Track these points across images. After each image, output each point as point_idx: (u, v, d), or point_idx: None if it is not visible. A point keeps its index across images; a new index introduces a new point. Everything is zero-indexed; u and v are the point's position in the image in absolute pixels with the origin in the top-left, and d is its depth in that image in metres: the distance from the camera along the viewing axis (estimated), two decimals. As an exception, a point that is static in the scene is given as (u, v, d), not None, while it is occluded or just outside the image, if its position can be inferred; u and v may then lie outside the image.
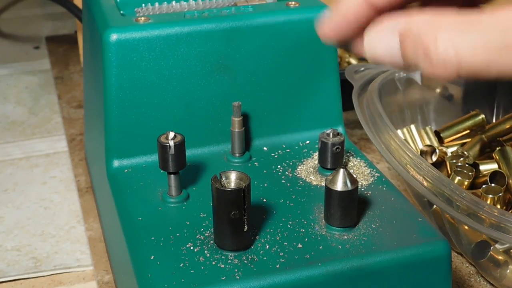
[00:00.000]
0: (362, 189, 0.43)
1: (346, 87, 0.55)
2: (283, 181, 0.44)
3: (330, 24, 0.34)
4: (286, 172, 0.45)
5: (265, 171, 0.45)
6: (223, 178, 0.36)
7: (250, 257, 0.37)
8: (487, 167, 0.56)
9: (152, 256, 0.37)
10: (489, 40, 0.30)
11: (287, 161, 0.46)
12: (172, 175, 0.42)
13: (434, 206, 0.52)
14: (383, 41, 0.32)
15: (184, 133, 0.43)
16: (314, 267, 0.36)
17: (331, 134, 0.44)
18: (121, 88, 0.45)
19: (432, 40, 0.30)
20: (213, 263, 0.36)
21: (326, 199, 0.39)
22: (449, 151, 0.59)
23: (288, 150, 0.48)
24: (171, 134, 0.41)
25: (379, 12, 0.33)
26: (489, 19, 0.30)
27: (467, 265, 0.52)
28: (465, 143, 0.60)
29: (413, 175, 0.48)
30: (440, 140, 0.61)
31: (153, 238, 0.39)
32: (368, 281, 0.37)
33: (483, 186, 0.51)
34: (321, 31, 0.34)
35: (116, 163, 0.46)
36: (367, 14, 0.33)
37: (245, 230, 0.37)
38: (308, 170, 0.45)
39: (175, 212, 0.41)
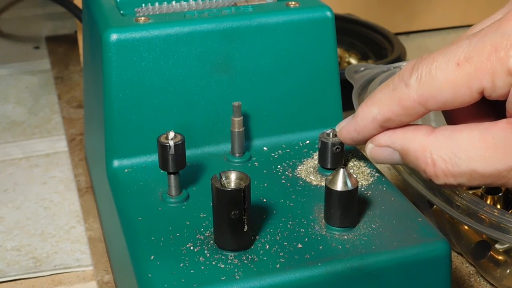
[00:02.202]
0: (362, 189, 0.43)
1: (346, 87, 0.55)
2: (283, 181, 0.44)
3: (346, 133, 0.40)
4: (286, 172, 0.45)
5: (265, 171, 0.45)
6: (223, 178, 0.36)
7: (250, 257, 0.37)
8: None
9: (152, 256, 0.37)
10: (477, 167, 0.34)
11: (287, 161, 0.46)
12: (172, 175, 0.42)
13: (434, 206, 0.52)
14: (386, 154, 0.38)
15: (184, 133, 0.43)
16: (314, 267, 0.36)
17: (331, 134, 0.44)
18: (121, 88, 0.45)
19: (430, 165, 0.35)
20: (213, 263, 0.36)
21: (326, 199, 0.39)
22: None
23: (288, 150, 0.48)
24: (171, 134, 0.41)
25: (386, 129, 0.38)
26: (476, 142, 0.34)
27: (467, 265, 0.52)
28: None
29: (413, 175, 0.48)
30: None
31: (153, 238, 0.39)
32: (368, 281, 0.37)
33: (483, 186, 0.51)
34: (338, 135, 0.41)
35: (116, 163, 0.46)
36: (377, 132, 0.38)
37: (245, 230, 0.37)
38: (308, 170, 0.45)
39: (175, 212, 0.41)
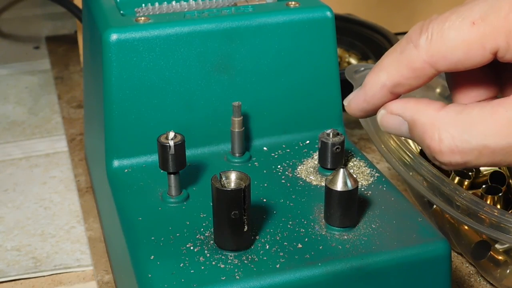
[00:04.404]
0: (362, 189, 0.43)
1: (346, 87, 0.55)
2: (283, 181, 0.44)
3: (355, 105, 0.38)
4: (286, 172, 0.45)
5: (265, 171, 0.45)
6: (223, 178, 0.36)
7: (250, 257, 0.37)
8: (487, 167, 0.56)
9: (152, 256, 0.37)
10: (488, 143, 0.32)
11: (287, 161, 0.46)
12: (172, 175, 0.42)
13: (434, 206, 0.52)
14: (395, 123, 0.36)
15: (184, 133, 0.43)
16: (314, 267, 0.36)
17: (331, 134, 0.44)
18: (121, 88, 0.45)
19: (435, 140, 0.34)
20: (213, 263, 0.36)
21: (326, 199, 0.39)
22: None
23: (288, 150, 0.48)
24: (171, 134, 0.41)
25: (397, 96, 0.36)
26: (488, 116, 0.32)
27: (467, 265, 0.52)
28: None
29: (413, 175, 0.48)
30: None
31: (153, 238, 0.39)
32: (368, 281, 0.37)
33: (483, 186, 0.51)
34: (347, 108, 0.38)
35: (116, 163, 0.46)
36: (387, 99, 0.36)
37: (245, 230, 0.37)
38: (308, 170, 0.45)
39: (175, 212, 0.41)
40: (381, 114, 0.37)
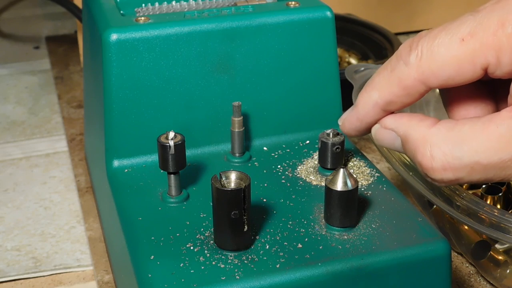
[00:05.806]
0: (362, 189, 0.43)
1: (346, 87, 0.55)
2: (283, 181, 0.44)
3: (349, 124, 0.39)
4: (286, 172, 0.45)
5: (265, 171, 0.45)
6: (223, 178, 0.36)
7: (250, 257, 0.37)
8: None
9: (152, 256, 0.37)
10: (480, 159, 0.32)
11: (287, 161, 0.46)
12: (172, 175, 0.42)
13: (434, 206, 0.52)
14: (388, 138, 0.37)
15: (184, 133, 0.43)
16: (314, 267, 0.36)
17: (331, 134, 0.44)
18: (121, 88, 0.45)
19: (427, 157, 0.34)
20: (213, 263, 0.36)
21: (326, 199, 0.39)
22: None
23: (288, 150, 0.48)
24: (171, 134, 0.41)
25: (389, 113, 0.37)
26: (480, 132, 0.33)
27: (467, 265, 0.52)
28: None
29: (413, 175, 0.48)
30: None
31: (153, 238, 0.39)
32: (368, 281, 0.37)
33: (483, 186, 0.51)
34: (342, 128, 0.39)
35: (116, 163, 0.46)
36: (380, 117, 0.37)
37: (245, 230, 0.37)
38: (308, 170, 0.45)
39: (175, 212, 0.41)
40: (375, 128, 0.38)
